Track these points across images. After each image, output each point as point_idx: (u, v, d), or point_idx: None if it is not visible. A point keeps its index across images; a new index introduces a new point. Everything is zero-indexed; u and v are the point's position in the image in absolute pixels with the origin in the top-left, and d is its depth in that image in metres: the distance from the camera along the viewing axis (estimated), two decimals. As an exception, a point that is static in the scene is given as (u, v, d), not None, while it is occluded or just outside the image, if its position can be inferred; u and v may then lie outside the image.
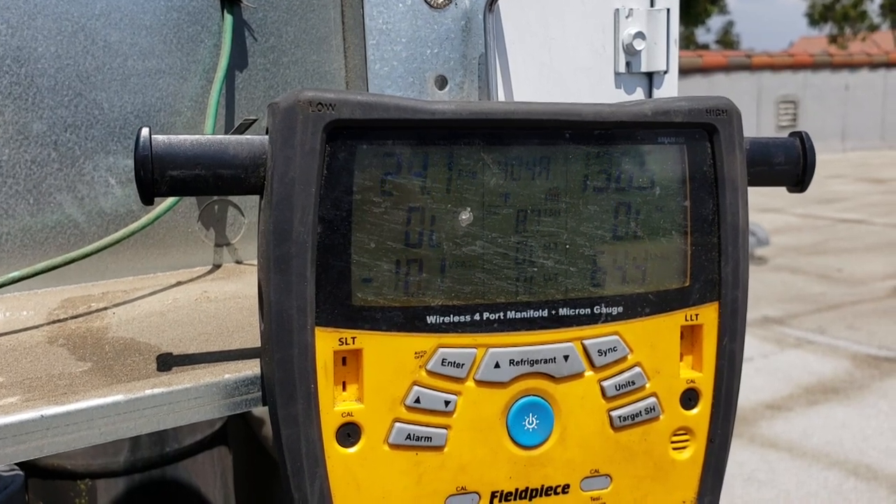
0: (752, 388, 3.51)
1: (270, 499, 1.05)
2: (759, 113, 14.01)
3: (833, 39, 29.68)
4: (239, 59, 0.64)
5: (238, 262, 0.67)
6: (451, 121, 0.43)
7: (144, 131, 0.40)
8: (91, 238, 0.61)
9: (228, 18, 0.62)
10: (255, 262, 0.67)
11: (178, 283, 0.61)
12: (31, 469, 0.82)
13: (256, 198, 0.44)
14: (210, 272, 0.64)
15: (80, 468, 0.83)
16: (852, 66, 14.88)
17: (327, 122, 0.41)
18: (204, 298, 0.58)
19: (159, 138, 0.41)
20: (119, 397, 0.43)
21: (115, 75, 0.60)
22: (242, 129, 0.60)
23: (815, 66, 14.54)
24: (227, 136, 0.42)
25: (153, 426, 0.44)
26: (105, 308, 0.56)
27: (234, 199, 0.66)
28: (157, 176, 0.41)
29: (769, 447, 3.02)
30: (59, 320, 0.54)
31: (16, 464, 0.79)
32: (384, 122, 0.42)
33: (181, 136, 0.41)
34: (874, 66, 14.98)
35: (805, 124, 14.38)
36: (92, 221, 0.61)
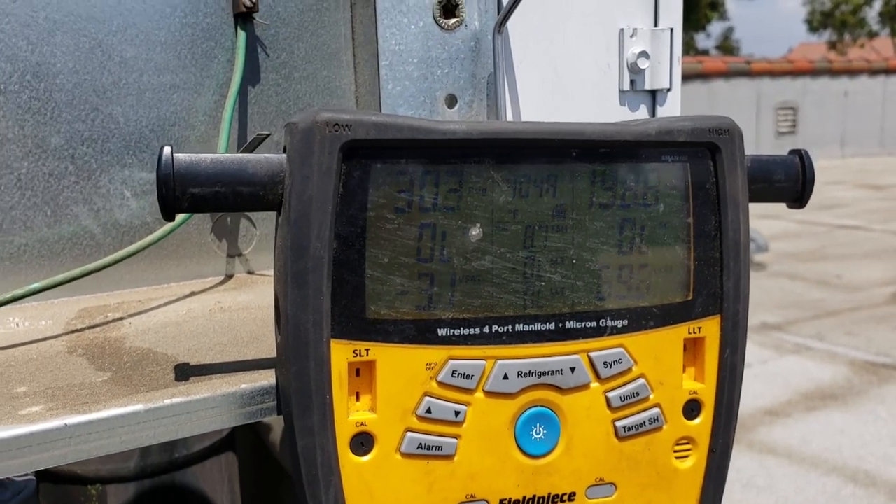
0: (751, 394, 3.53)
1: (276, 504, 1.06)
2: (759, 119, 14.04)
3: (832, 45, 29.75)
4: (251, 74, 0.65)
5: (250, 273, 0.68)
6: (461, 140, 0.44)
7: (167, 150, 0.42)
8: (107, 249, 0.62)
9: (242, 35, 0.63)
10: (267, 272, 0.68)
11: (192, 294, 0.63)
12: (43, 474, 0.83)
13: (268, 210, 0.45)
14: (222, 283, 0.66)
15: (90, 473, 0.85)
16: (851, 72, 14.92)
17: (344, 142, 0.42)
18: (218, 309, 0.60)
19: (181, 157, 0.42)
20: (139, 407, 0.44)
21: (131, 90, 0.62)
22: (255, 143, 0.61)
23: (815, 72, 14.58)
24: (246, 155, 0.44)
25: (172, 435, 0.46)
26: (121, 318, 0.58)
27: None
28: (178, 193, 0.42)
29: (768, 453, 3.04)
30: (76, 330, 0.56)
31: (28, 469, 0.80)
32: (398, 142, 0.43)
33: (202, 155, 0.43)
34: (873, 72, 15.02)
35: (804, 131, 14.40)
36: (107, 233, 0.62)
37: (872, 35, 30.52)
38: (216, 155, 0.43)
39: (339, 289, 0.43)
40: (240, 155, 0.44)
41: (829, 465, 2.94)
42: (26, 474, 0.79)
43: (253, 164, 0.43)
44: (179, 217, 0.59)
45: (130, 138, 0.62)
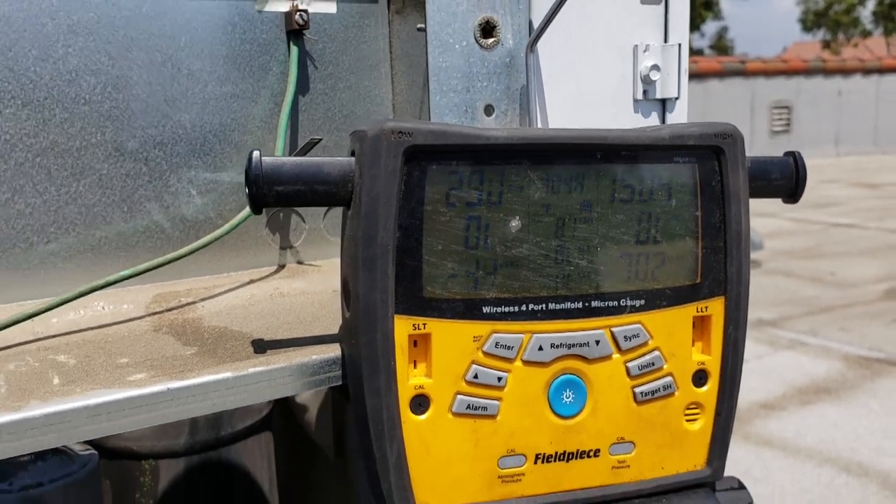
0: (747, 388, 3.60)
1: (308, 483, 1.14)
2: (753, 118, 14.13)
3: (826, 45, 29.89)
4: (301, 85, 0.73)
5: (300, 263, 0.75)
6: (503, 145, 0.52)
7: (256, 154, 0.49)
8: (175, 242, 0.69)
9: (294, 50, 0.71)
10: (315, 262, 0.75)
11: (251, 281, 0.70)
12: (101, 450, 0.91)
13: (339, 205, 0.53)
14: (276, 272, 0.73)
15: (145, 449, 0.92)
16: (845, 72, 15.03)
17: (406, 147, 0.50)
18: (277, 294, 0.67)
19: (267, 160, 0.50)
20: (228, 374, 0.52)
21: (197, 99, 0.69)
22: (309, 147, 0.68)
23: (809, 71, 14.68)
24: (322, 158, 0.51)
25: (255, 399, 0.53)
26: (193, 302, 0.65)
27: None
28: (265, 190, 0.49)
29: (763, 445, 3.11)
30: (156, 312, 0.63)
31: (88, 444, 0.87)
32: (450, 147, 0.51)
33: (284, 158, 0.50)
34: (867, 72, 15.13)
35: (798, 129, 14.50)
36: (176, 227, 0.70)
37: (866, 34, 30.67)
38: (296, 158, 0.51)
39: (402, 272, 0.51)
40: (316, 158, 0.51)
41: (824, 457, 3.02)
42: (87, 448, 0.86)
43: (327, 165, 0.51)
44: (244, 212, 0.66)
45: (196, 142, 0.70)
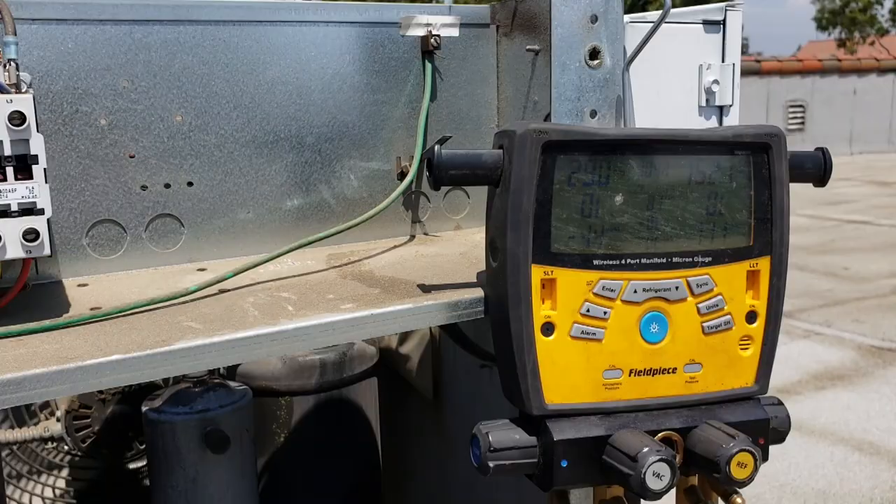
0: (764, 374, 3.77)
1: (405, 423, 1.34)
2: (769, 116, 14.22)
3: (842, 43, 29.82)
4: (431, 93, 0.92)
5: (426, 234, 0.95)
6: (613, 140, 0.71)
7: (437, 147, 0.69)
8: (338, 214, 0.89)
9: (429, 66, 0.90)
10: (437, 234, 0.95)
11: (395, 247, 0.90)
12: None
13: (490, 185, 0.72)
14: (410, 240, 0.93)
15: (282, 388, 1.12)
16: (860, 71, 15.10)
17: (543, 142, 0.69)
18: (419, 255, 0.87)
19: (445, 152, 0.69)
20: (409, 305, 0.71)
21: (356, 104, 0.89)
22: (442, 142, 0.88)
23: (824, 71, 14.76)
24: (480, 150, 0.70)
25: (425, 324, 0.73)
26: (359, 260, 0.85)
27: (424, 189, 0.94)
28: (443, 174, 0.69)
29: (780, 426, 3.28)
30: (336, 266, 0.83)
31: (241, 382, 1.07)
32: (574, 142, 0.70)
33: (455, 151, 0.70)
34: (882, 71, 15.19)
35: (813, 128, 14.58)
36: (339, 204, 0.90)
37: (883, 32, 30.53)
38: (463, 151, 0.70)
39: (537, 233, 0.70)
40: (477, 150, 0.70)
41: (837, 437, 3.19)
42: (241, 385, 1.06)
43: (485, 156, 0.70)
44: (394, 194, 0.86)
45: (355, 138, 0.89)
